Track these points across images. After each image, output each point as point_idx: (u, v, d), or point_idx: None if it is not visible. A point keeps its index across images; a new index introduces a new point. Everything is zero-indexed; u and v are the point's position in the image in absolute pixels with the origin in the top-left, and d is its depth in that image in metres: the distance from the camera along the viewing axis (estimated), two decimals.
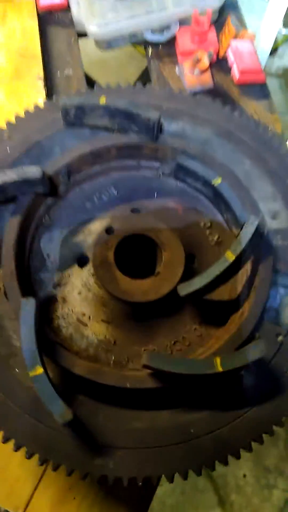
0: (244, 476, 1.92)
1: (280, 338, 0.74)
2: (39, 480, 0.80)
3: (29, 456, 0.67)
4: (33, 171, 0.76)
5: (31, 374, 0.64)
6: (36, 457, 0.70)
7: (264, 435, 0.70)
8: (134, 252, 0.86)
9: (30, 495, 0.79)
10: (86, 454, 0.66)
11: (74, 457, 0.66)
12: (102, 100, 0.83)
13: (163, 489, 1.88)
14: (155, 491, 0.82)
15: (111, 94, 0.91)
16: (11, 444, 0.81)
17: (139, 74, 2.48)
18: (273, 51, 2.47)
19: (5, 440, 0.67)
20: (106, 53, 1.38)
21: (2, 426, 0.68)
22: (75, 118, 0.85)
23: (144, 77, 2.39)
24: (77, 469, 0.65)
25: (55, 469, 0.66)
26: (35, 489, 0.79)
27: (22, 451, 0.80)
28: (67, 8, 1.33)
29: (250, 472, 1.95)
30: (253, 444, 0.70)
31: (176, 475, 0.68)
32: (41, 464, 0.67)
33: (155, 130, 0.84)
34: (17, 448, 0.67)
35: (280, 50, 2.71)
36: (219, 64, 1.28)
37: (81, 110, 0.84)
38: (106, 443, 0.67)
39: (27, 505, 0.80)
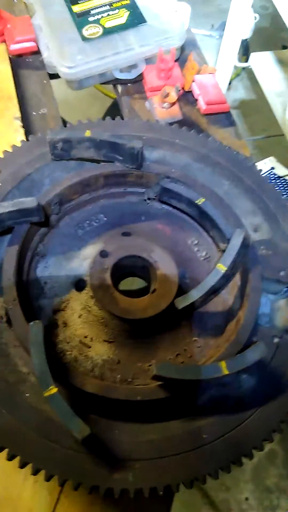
0: (247, 499, 1.91)
1: (276, 340, 0.79)
2: (54, 509, 0.79)
3: (48, 478, 0.67)
4: (29, 201, 0.80)
5: (46, 394, 0.65)
6: (51, 483, 0.71)
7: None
8: (129, 273, 0.90)
9: None
10: (105, 470, 0.67)
11: (93, 474, 0.67)
12: (88, 133, 0.89)
13: None
14: (170, 508, 0.82)
15: (93, 127, 0.96)
16: (21, 475, 0.82)
17: (104, 112, 2.59)
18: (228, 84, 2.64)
19: (23, 465, 0.67)
20: (70, 94, 1.46)
21: (18, 451, 0.68)
22: (63, 151, 0.90)
23: (110, 115, 2.50)
24: (98, 486, 0.66)
25: (75, 488, 0.66)
26: None
27: (35, 480, 0.81)
28: (37, 52, 1.40)
29: (252, 494, 1.94)
30: (251, 464, 0.73)
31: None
32: (61, 485, 0.67)
33: (139, 158, 0.90)
34: (35, 472, 0.67)
35: (233, 83, 2.90)
36: (185, 97, 1.37)
37: (68, 143, 0.89)
38: (123, 457, 0.69)
39: None
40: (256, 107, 2.91)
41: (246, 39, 2.59)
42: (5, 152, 0.93)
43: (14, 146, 0.94)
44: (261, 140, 2.69)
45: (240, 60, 2.24)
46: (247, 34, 1.81)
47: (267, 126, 2.83)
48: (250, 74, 3.02)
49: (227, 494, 1.93)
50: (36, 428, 0.69)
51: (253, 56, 1.92)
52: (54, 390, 0.66)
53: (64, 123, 1.49)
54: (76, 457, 0.68)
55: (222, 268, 0.80)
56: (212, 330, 0.85)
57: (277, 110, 1.79)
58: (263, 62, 1.88)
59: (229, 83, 2.81)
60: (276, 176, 1.96)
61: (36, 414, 0.70)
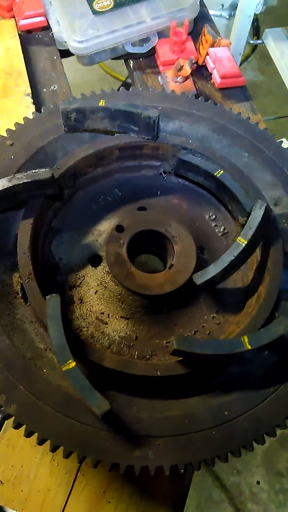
0: (258, 483, 1.90)
1: None
2: (72, 487, 0.78)
3: (67, 455, 0.65)
4: (43, 172, 0.77)
5: (64, 368, 0.63)
6: (68, 461, 0.69)
7: None
8: (145, 248, 0.88)
9: (63, 504, 0.77)
10: (124, 447, 0.65)
11: (113, 451, 0.65)
12: (102, 103, 0.86)
13: None
14: (189, 487, 0.80)
15: (107, 98, 0.93)
16: (38, 453, 0.80)
17: None
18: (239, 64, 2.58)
19: (41, 441, 0.66)
20: (78, 77, 1.42)
21: (36, 427, 0.66)
22: (76, 122, 0.87)
23: None
24: (118, 463, 0.64)
25: (95, 465, 0.65)
26: (68, 497, 0.77)
27: (52, 458, 0.79)
28: (47, 27, 1.36)
29: (263, 478, 1.93)
30: (263, 449, 0.70)
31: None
32: (80, 463, 0.65)
33: (155, 129, 0.87)
34: (53, 448, 0.65)
35: (243, 65, 2.84)
36: (199, 71, 1.33)
37: (82, 113, 0.86)
38: (143, 434, 0.67)
39: None
40: (266, 88, 2.86)
41: (256, 19, 2.53)
42: (17, 124, 0.90)
43: (26, 118, 0.91)
44: (272, 121, 2.63)
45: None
46: (260, 7, 1.76)
47: (277, 108, 2.78)
48: (259, 56, 2.96)
49: (238, 477, 1.92)
50: (54, 404, 0.67)
51: (267, 32, 1.86)
52: (72, 364, 0.64)
53: None
54: (95, 434, 0.66)
55: (242, 241, 0.77)
56: (232, 306, 0.82)
57: None
58: (276, 38, 1.82)
59: (240, 64, 2.75)
60: None
61: (54, 390, 0.68)
